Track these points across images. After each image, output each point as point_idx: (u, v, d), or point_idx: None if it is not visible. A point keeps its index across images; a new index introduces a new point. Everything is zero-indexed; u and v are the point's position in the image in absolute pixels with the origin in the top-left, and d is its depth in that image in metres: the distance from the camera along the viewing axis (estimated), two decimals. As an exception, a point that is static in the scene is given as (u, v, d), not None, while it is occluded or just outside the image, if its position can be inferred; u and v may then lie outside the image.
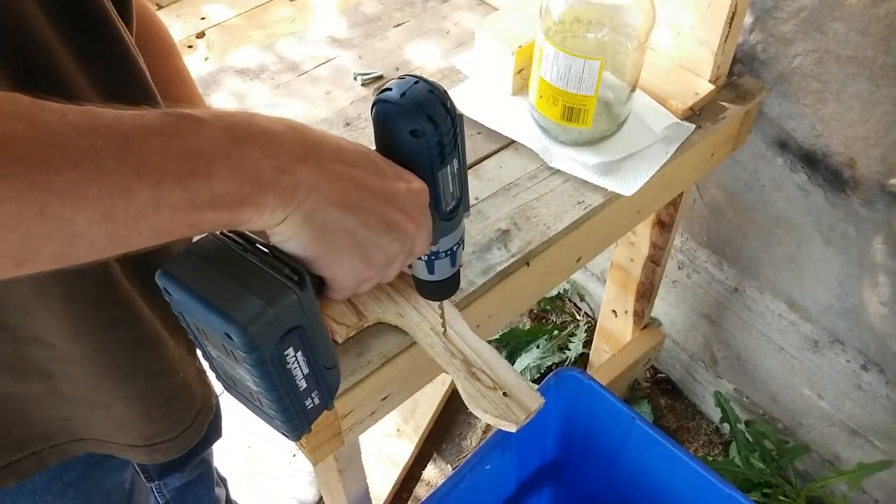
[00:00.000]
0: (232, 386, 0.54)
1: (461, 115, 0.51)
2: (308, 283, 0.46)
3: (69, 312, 0.53)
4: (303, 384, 0.51)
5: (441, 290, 0.62)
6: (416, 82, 0.48)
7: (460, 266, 0.62)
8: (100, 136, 0.35)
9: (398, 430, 1.55)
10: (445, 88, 0.49)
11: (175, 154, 0.37)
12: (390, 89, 0.48)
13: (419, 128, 0.48)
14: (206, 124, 0.39)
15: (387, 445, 1.53)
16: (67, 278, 0.50)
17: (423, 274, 0.60)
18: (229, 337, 0.43)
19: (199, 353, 0.60)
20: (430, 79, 0.49)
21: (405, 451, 1.52)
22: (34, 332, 0.53)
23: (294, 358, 0.48)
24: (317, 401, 0.54)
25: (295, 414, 0.52)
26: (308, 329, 0.48)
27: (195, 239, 0.48)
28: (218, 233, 0.48)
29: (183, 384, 0.64)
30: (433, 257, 0.58)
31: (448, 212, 0.54)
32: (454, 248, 0.58)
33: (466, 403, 0.60)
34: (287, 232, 0.44)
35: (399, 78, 0.49)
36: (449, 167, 0.51)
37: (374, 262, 0.49)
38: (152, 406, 0.62)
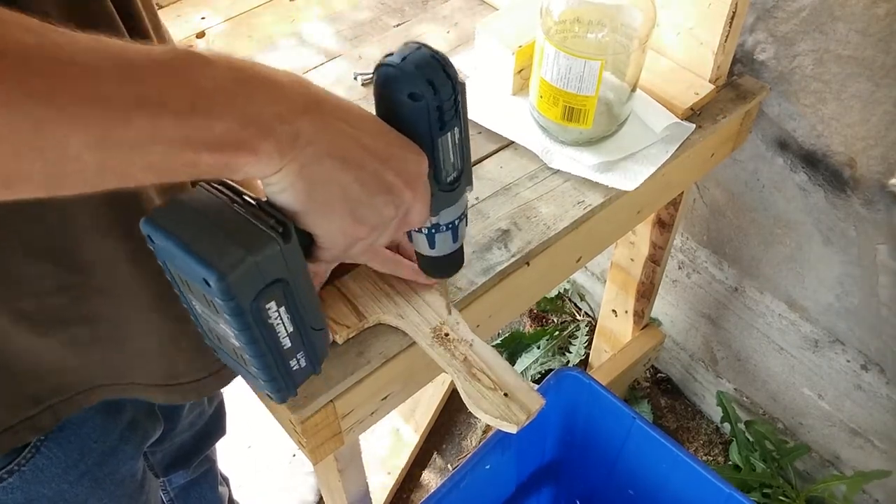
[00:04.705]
0: (218, 346, 0.54)
1: (463, 84, 0.50)
2: (293, 235, 0.46)
3: (105, 242, 0.53)
4: (287, 342, 0.50)
5: (444, 266, 0.61)
6: (419, 48, 0.48)
7: (463, 243, 0.61)
8: (104, 58, 0.35)
9: (398, 431, 1.56)
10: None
11: (177, 88, 0.37)
12: (392, 54, 0.48)
13: (418, 91, 0.47)
14: (212, 63, 0.39)
15: (387, 445, 1.53)
16: (101, 210, 0.51)
17: (424, 249, 0.60)
18: (207, 284, 0.43)
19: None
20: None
21: (405, 450, 1.52)
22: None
23: (277, 313, 0.48)
24: (303, 363, 0.53)
25: (279, 374, 0.51)
26: (292, 284, 0.47)
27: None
28: (206, 184, 0.48)
29: None
30: (433, 230, 0.57)
31: (448, 182, 0.54)
32: (455, 222, 0.58)
33: (467, 404, 0.60)
34: (282, 182, 0.44)
35: (403, 45, 0.49)
36: (449, 135, 0.51)
37: (366, 221, 0.48)
38: (178, 348, 0.62)
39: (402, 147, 0.49)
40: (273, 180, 0.44)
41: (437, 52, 0.48)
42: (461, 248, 0.61)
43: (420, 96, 0.48)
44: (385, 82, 0.49)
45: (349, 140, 0.45)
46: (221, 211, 0.46)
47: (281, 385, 0.53)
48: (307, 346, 0.52)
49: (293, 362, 0.52)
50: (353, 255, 0.52)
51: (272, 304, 0.47)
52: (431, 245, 0.59)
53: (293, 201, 0.45)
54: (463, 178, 0.55)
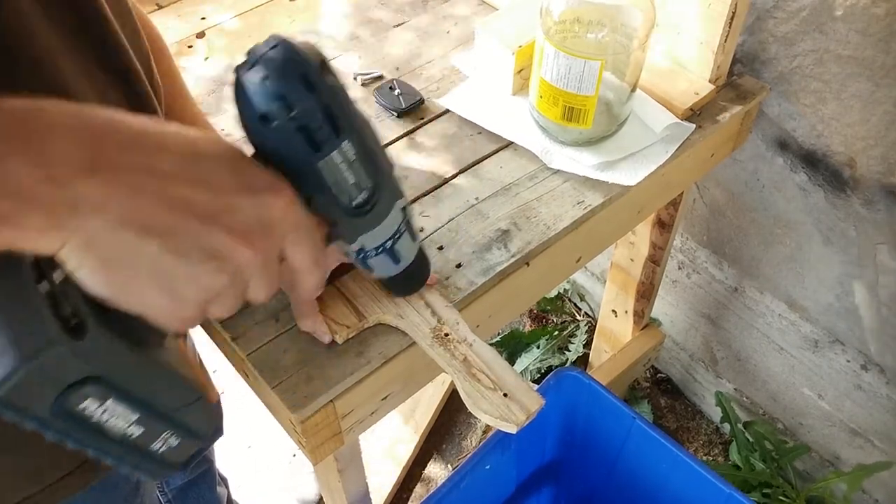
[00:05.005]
0: None
1: (341, 87, 0.41)
2: (89, 329, 0.36)
3: None
4: (136, 430, 0.39)
5: (396, 285, 0.55)
6: (274, 47, 0.38)
7: (415, 259, 0.54)
8: None
9: (398, 431, 1.56)
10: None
11: None
12: (250, 52, 0.38)
13: (268, 111, 0.38)
14: None
15: (387, 445, 1.53)
16: None
17: (364, 271, 0.53)
18: None
19: None
20: (305, 44, 0.39)
21: (405, 451, 1.52)
22: None
23: (101, 409, 0.37)
24: (174, 441, 0.42)
25: (141, 461, 0.41)
26: (109, 377, 0.37)
27: None
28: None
29: None
30: (361, 255, 0.49)
31: (355, 206, 0.44)
32: (387, 244, 0.49)
33: (466, 404, 0.60)
34: (70, 261, 0.35)
35: (265, 40, 0.39)
36: (336, 153, 0.41)
37: (187, 298, 0.38)
38: None
39: (242, 191, 0.38)
40: (61, 258, 0.35)
41: (297, 52, 0.38)
42: (416, 263, 0.54)
43: (271, 118, 0.38)
44: (235, 98, 0.39)
45: (153, 199, 0.35)
46: (19, 292, 0.35)
47: (148, 468, 0.42)
48: (174, 426, 0.41)
49: (158, 444, 0.41)
50: (212, 314, 0.41)
51: (87, 404, 0.37)
52: (368, 269, 0.52)
53: (91, 283, 0.36)
54: (380, 195, 0.45)
